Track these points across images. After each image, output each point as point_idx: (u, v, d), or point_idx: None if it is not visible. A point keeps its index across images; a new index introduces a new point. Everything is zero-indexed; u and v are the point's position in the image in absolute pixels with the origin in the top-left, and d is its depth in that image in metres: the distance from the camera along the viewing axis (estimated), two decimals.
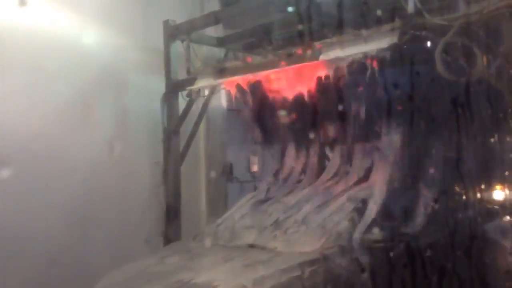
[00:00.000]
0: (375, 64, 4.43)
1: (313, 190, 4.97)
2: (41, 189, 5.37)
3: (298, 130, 5.49)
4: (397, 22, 4.29)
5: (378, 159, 4.79)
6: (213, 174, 7.25)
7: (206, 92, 6.35)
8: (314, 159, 5.40)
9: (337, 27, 4.77)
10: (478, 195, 4.68)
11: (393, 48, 4.26)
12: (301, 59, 5.06)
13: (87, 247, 5.66)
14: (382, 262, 4.05)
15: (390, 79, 4.49)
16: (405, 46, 4.28)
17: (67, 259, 5.45)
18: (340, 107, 4.97)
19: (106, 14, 6.12)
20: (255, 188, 5.57)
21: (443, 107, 4.54)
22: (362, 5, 4.75)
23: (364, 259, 4.03)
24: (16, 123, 5.25)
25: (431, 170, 4.60)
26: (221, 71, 5.92)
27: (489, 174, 4.66)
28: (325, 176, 5.18)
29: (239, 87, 5.57)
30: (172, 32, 6.45)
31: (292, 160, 5.53)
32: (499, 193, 4.75)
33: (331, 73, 4.81)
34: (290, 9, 5.32)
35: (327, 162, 5.42)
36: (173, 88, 6.45)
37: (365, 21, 4.56)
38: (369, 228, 4.21)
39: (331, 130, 5.23)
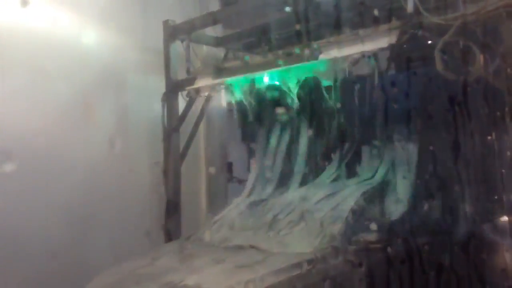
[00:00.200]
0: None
1: (311, 190, 4.95)
2: (41, 188, 5.40)
3: (298, 130, 5.49)
4: (396, 22, 4.31)
5: (378, 159, 4.80)
6: (212, 170, 7.24)
7: (206, 92, 6.36)
8: (314, 159, 5.40)
9: (336, 27, 4.78)
10: (476, 193, 4.68)
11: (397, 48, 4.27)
12: (300, 58, 5.07)
13: (88, 245, 5.68)
14: (377, 262, 4.02)
15: (398, 79, 4.50)
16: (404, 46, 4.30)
17: (67, 257, 5.46)
18: (343, 107, 4.99)
19: (106, 14, 6.14)
20: (252, 188, 5.54)
21: (437, 105, 4.54)
22: (361, 5, 4.76)
23: (358, 260, 3.98)
24: (16, 123, 5.27)
25: (429, 168, 4.61)
26: (221, 71, 5.93)
27: (487, 172, 4.66)
28: (325, 175, 5.18)
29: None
30: (172, 32, 6.45)
31: (290, 159, 5.52)
32: (496, 192, 4.74)
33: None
34: (289, 9, 5.33)
35: (327, 163, 5.39)
36: (173, 88, 6.45)
37: (363, 21, 4.57)
38: (363, 228, 4.18)
39: (333, 130, 5.22)
